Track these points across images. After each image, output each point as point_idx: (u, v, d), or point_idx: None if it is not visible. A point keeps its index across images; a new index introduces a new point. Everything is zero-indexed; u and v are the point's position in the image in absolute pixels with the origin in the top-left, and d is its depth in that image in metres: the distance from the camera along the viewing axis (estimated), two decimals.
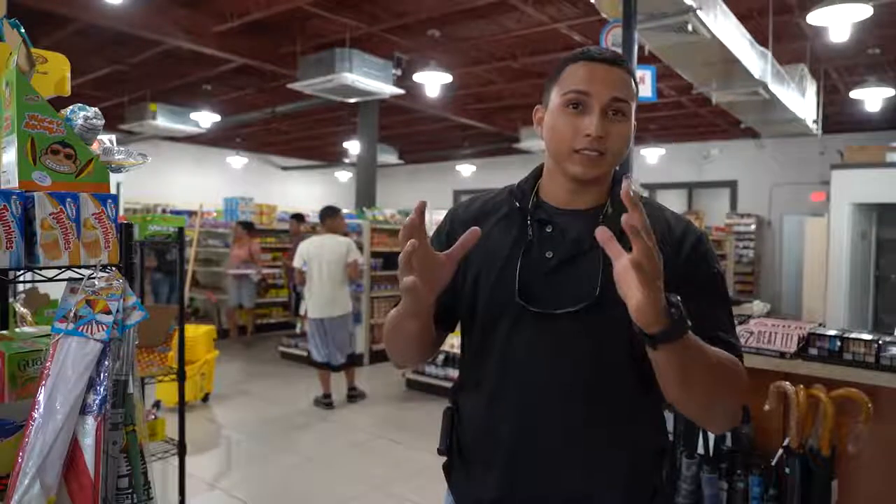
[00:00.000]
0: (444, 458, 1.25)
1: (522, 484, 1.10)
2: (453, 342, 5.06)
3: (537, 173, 1.21)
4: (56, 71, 1.38)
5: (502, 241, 1.15)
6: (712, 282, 1.10)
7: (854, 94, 7.44)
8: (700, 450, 2.22)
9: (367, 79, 6.63)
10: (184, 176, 13.83)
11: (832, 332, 2.17)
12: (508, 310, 1.10)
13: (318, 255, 5.36)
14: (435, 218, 6.60)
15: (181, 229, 2.64)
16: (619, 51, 3.78)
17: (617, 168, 1.19)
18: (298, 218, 8.25)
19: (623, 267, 0.86)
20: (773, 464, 2.10)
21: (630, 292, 0.85)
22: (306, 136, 13.29)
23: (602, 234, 0.87)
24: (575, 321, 1.06)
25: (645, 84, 4.24)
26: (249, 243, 7.97)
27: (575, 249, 1.09)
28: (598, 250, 1.05)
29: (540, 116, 1.16)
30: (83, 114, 1.13)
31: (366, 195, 9.42)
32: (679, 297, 0.89)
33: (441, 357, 5.69)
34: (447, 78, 7.37)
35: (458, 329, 1.28)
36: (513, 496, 1.11)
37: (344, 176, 17.06)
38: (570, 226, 1.12)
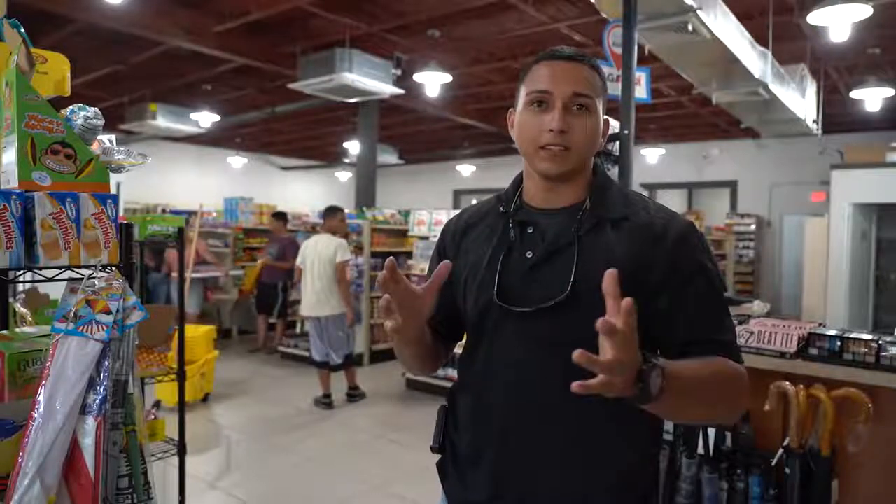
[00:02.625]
0: (438, 457, 1.27)
1: (511, 485, 1.11)
2: None
3: (520, 178, 1.23)
4: (56, 71, 1.38)
5: (487, 245, 1.17)
6: (702, 275, 1.08)
7: (854, 94, 7.43)
8: (700, 450, 2.22)
9: (367, 79, 6.63)
10: (184, 176, 13.81)
11: (832, 332, 2.17)
12: (490, 312, 1.12)
13: (311, 254, 5.38)
14: (435, 218, 6.59)
15: (181, 229, 2.63)
16: (619, 51, 3.78)
17: (604, 164, 1.20)
18: (280, 216, 7.91)
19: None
20: (773, 464, 2.10)
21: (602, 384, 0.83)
22: (306, 136, 13.28)
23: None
24: (551, 318, 1.06)
25: (641, 86, 4.24)
26: (196, 243, 7.57)
27: (552, 248, 1.10)
28: (573, 247, 1.07)
29: (513, 119, 1.19)
30: (83, 114, 1.13)
31: (366, 195, 9.42)
32: (654, 363, 0.86)
33: None
34: (447, 78, 7.37)
35: None
36: (502, 497, 1.12)
37: (344, 176, 17.05)
38: (549, 225, 1.13)
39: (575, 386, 0.80)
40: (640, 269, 1.04)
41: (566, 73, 1.10)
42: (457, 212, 1.37)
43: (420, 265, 6.34)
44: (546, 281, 1.08)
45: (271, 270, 7.59)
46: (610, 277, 0.84)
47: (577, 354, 0.80)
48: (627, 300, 0.81)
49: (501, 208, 1.20)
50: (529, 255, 1.12)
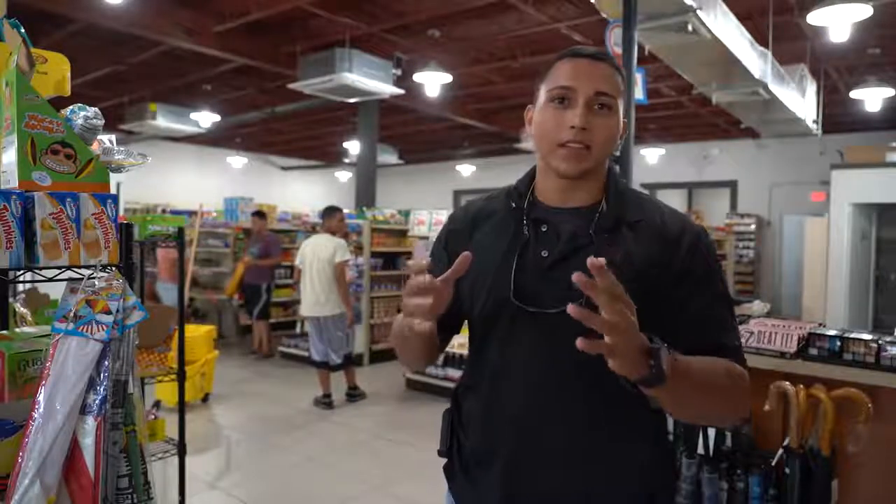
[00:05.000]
0: (444, 459, 1.26)
1: (524, 485, 1.10)
2: (454, 342, 5.06)
3: (532, 174, 1.21)
4: (56, 71, 1.38)
5: (499, 242, 1.15)
6: (712, 279, 1.09)
7: (854, 94, 7.43)
8: (700, 450, 2.22)
9: (367, 79, 6.63)
10: (184, 176, 13.82)
11: (832, 332, 2.17)
12: (505, 311, 1.10)
13: (311, 254, 5.39)
14: (435, 218, 6.59)
15: (181, 229, 2.63)
16: (619, 51, 3.78)
17: (615, 166, 1.19)
18: (260, 215, 7.71)
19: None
20: (773, 464, 2.10)
21: (606, 346, 0.84)
22: (306, 136, 13.28)
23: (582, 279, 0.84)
24: (568, 319, 1.05)
25: (637, 86, 4.25)
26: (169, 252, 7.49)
27: (569, 248, 1.09)
28: (592, 247, 1.06)
29: (530, 116, 1.17)
30: (83, 114, 1.13)
31: (366, 195, 9.42)
32: (662, 344, 0.87)
33: (441, 357, 5.68)
34: (447, 78, 7.37)
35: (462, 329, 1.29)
36: (514, 497, 1.11)
37: (344, 176, 17.06)
38: (565, 224, 1.11)
39: (580, 342, 0.81)
40: (652, 270, 1.04)
41: (589, 70, 1.09)
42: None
43: None
44: (564, 282, 1.07)
45: (254, 271, 7.40)
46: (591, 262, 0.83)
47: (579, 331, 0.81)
48: (592, 259, 0.82)
49: (514, 204, 1.17)
50: (545, 254, 1.10)
